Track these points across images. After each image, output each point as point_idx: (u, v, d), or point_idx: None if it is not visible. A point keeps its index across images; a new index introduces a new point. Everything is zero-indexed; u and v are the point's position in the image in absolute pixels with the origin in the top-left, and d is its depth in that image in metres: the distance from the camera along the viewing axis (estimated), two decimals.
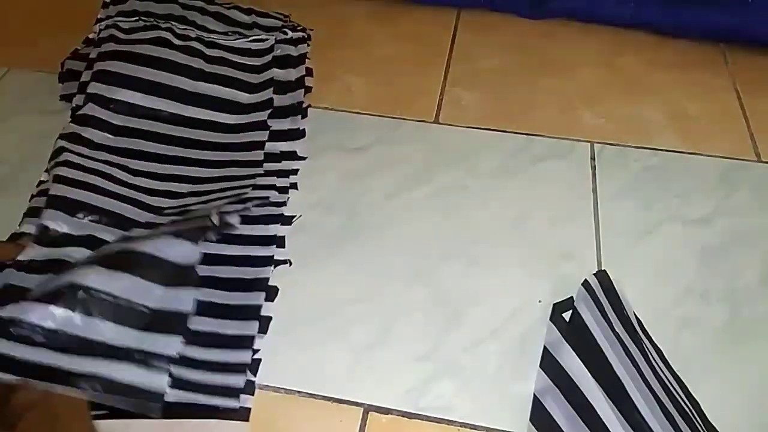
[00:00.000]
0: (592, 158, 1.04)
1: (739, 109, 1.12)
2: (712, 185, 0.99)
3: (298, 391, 0.76)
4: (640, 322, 0.81)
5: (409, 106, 1.12)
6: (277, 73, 1.11)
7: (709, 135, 1.08)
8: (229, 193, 0.93)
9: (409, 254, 0.90)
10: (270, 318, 0.82)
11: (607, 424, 0.68)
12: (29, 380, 0.68)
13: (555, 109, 1.12)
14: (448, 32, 1.28)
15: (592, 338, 0.76)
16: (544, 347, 0.78)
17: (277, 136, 1.03)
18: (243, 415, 0.73)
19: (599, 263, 0.89)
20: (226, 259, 0.86)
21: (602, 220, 0.94)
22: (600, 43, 1.26)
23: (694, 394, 0.75)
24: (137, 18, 1.13)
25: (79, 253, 0.83)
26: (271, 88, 1.08)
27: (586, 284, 0.82)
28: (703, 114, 1.12)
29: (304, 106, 1.09)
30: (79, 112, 1.00)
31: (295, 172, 1.00)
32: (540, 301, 0.84)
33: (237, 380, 0.74)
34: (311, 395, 0.76)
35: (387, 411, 0.74)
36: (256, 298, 0.82)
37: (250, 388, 0.75)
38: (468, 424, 0.73)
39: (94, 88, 1.02)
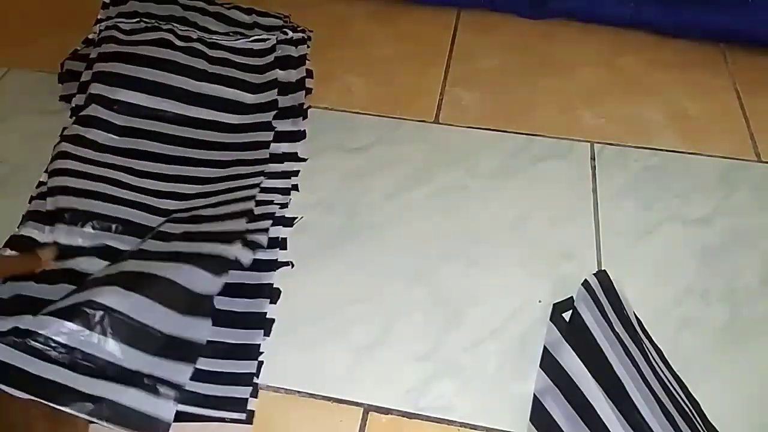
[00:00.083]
0: (592, 158, 1.04)
1: (739, 109, 1.12)
2: (712, 185, 0.99)
3: (298, 391, 0.76)
4: (640, 322, 0.81)
5: (409, 106, 1.12)
6: (279, 74, 1.11)
7: (709, 135, 1.08)
8: (236, 194, 0.93)
9: (409, 254, 0.90)
10: (273, 320, 0.82)
11: (607, 424, 0.68)
12: (39, 400, 0.68)
13: (555, 109, 1.12)
14: (448, 32, 1.28)
15: (592, 338, 0.76)
16: (544, 347, 0.78)
17: (279, 137, 1.04)
18: (247, 418, 0.73)
19: (599, 263, 0.89)
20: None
21: (602, 220, 0.94)
22: (600, 43, 1.26)
23: (694, 394, 0.75)
24: (138, 19, 1.13)
25: (91, 263, 0.83)
26: (276, 89, 1.08)
27: (586, 284, 0.82)
28: (703, 114, 1.12)
29: (305, 107, 1.09)
30: (82, 113, 1.00)
31: (296, 173, 1.00)
32: (540, 301, 0.84)
33: (243, 392, 0.74)
34: (311, 395, 0.76)
35: (387, 411, 0.74)
36: (261, 305, 0.82)
37: (253, 391, 0.75)
38: (468, 424, 0.73)
39: (97, 88, 1.02)
